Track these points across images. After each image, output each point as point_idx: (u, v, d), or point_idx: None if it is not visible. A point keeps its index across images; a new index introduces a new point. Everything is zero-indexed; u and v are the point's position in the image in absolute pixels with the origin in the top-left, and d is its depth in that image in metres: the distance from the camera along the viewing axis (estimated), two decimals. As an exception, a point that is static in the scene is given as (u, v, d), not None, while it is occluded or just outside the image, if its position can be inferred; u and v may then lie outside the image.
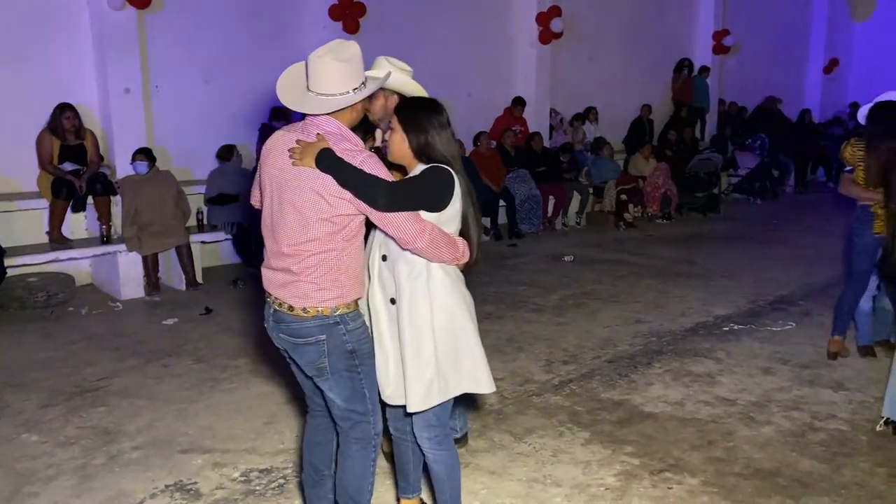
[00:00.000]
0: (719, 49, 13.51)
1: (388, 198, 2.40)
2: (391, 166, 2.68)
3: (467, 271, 2.73)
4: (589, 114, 11.75)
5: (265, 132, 8.50)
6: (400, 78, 2.97)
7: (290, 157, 2.46)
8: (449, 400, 2.68)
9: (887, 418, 3.92)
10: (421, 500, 3.10)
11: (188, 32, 7.78)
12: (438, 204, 2.52)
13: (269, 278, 2.60)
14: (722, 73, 13.92)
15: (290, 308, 2.53)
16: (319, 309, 2.51)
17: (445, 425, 2.74)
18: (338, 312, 2.54)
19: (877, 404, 4.15)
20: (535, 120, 10.72)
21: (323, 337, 2.54)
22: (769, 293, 6.79)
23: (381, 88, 2.90)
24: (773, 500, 3.29)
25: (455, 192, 2.55)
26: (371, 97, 2.82)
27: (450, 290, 2.60)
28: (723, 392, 4.52)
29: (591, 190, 10.76)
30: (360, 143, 2.57)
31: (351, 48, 2.52)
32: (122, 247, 6.76)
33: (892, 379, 3.88)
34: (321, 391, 2.69)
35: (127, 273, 6.83)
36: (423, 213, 2.49)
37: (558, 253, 8.49)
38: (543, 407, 4.26)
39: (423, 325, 2.56)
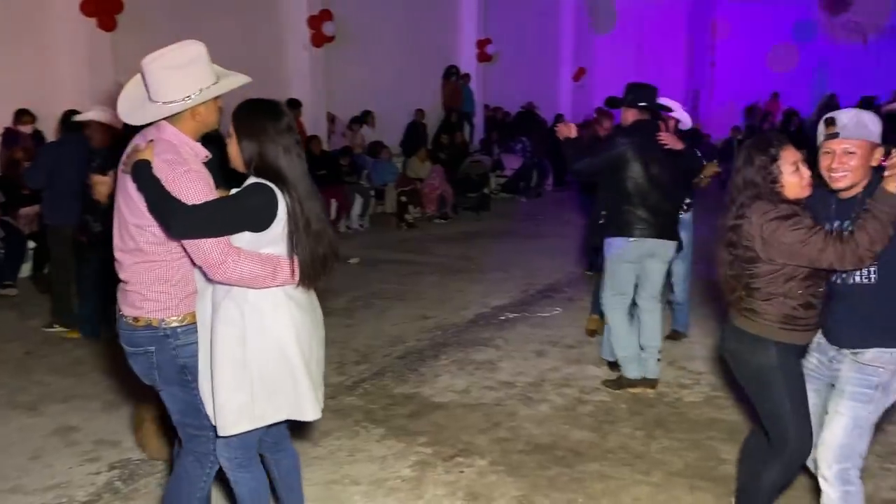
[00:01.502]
0: (482, 57, 14.37)
1: (181, 223, 2.27)
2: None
3: (310, 286, 2.55)
4: (367, 117, 11.94)
5: (8, 137, 7.65)
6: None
7: (123, 162, 2.42)
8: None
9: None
10: None
11: None
12: (256, 225, 2.37)
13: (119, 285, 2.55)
14: (486, 80, 14.80)
15: (124, 316, 2.49)
16: (148, 319, 2.44)
17: (249, 448, 2.59)
18: (168, 325, 2.44)
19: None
20: (313, 124, 10.69)
21: (152, 349, 2.46)
22: (538, 282, 7.37)
23: None
24: (553, 470, 3.61)
25: (279, 212, 2.38)
26: None
27: (274, 313, 2.43)
28: (503, 376, 4.85)
29: (372, 192, 10.94)
30: (197, 153, 2.45)
31: (186, 52, 2.41)
32: None
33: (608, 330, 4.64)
34: None
35: None
36: (243, 235, 2.36)
37: (343, 255, 8.53)
38: (338, 409, 4.29)
39: (234, 347, 2.40)
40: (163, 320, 2.44)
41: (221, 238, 2.32)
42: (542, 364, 5.09)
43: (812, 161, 2.67)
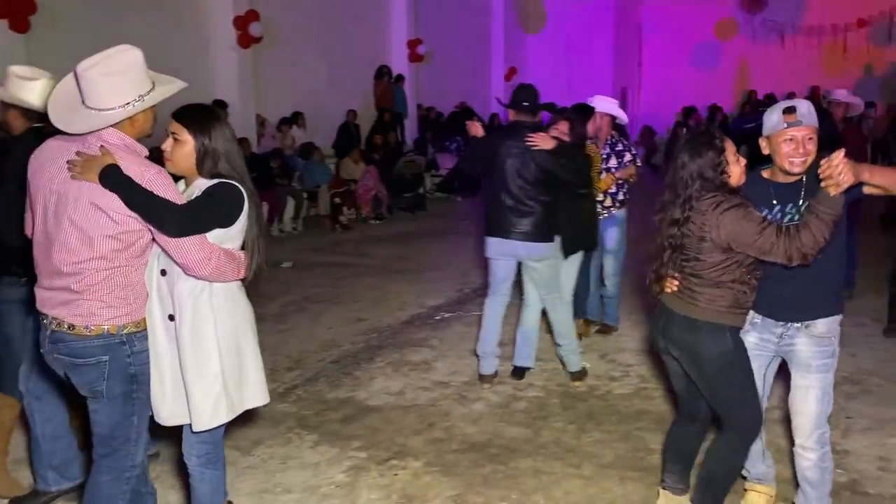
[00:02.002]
0: (414, 57, 14.36)
1: (178, 223, 2.33)
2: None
3: (247, 286, 2.67)
4: (297, 119, 11.78)
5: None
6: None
7: (69, 169, 2.32)
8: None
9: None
10: None
11: None
12: (228, 222, 2.48)
13: (45, 298, 2.46)
14: (418, 80, 14.80)
15: (72, 327, 2.41)
16: (105, 327, 2.42)
17: (218, 444, 2.67)
18: (125, 332, 2.45)
19: (564, 371, 4.75)
20: (241, 126, 10.47)
21: (105, 358, 2.43)
22: (473, 281, 7.40)
23: None
24: (487, 468, 3.63)
25: (244, 208, 2.51)
26: None
27: (233, 306, 2.56)
28: (438, 376, 4.85)
29: (305, 194, 10.81)
30: (140, 152, 2.47)
31: (124, 58, 2.40)
32: None
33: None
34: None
35: None
36: (214, 231, 2.45)
37: (276, 259, 8.38)
38: (270, 416, 4.21)
39: (208, 342, 2.49)
40: (122, 327, 2.44)
41: (203, 236, 2.40)
42: (476, 363, 5.11)
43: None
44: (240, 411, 2.61)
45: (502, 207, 4.37)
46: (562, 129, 4.46)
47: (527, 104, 4.44)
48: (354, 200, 10.96)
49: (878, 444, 3.80)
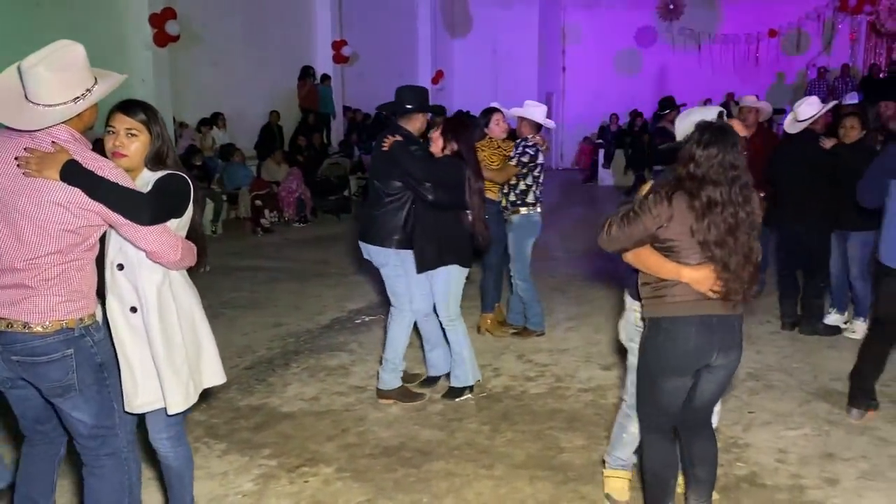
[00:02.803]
0: (339, 58, 14.24)
1: (151, 212, 2.40)
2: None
3: (192, 272, 2.78)
4: (216, 120, 11.52)
5: None
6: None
7: (21, 166, 2.31)
8: None
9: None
10: None
11: None
12: (181, 212, 2.58)
13: None
14: (344, 82, 14.68)
15: (27, 325, 2.37)
16: (64, 322, 2.41)
17: (181, 423, 2.82)
18: (83, 324, 2.47)
19: (484, 372, 4.77)
20: (158, 127, 10.17)
21: (70, 351, 2.44)
22: (396, 284, 7.37)
23: None
24: (399, 472, 3.60)
25: (192, 197, 2.63)
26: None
27: (188, 292, 2.70)
28: (355, 381, 4.80)
29: (224, 197, 10.57)
30: (90, 147, 2.49)
31: (69, 54, 2.38)
32: None
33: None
34: (56, 417, 2.61)
35: None
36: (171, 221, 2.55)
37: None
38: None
39: (174, 330, 2.60)
40: (80, 320, 2.45)
41: (165, 225, 2.48)
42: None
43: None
44: (204, 387, 2.78)
45: (364, 210, 4.48)
46: (434, 136, 4.26)
47: (410, 107, 4.30)
48: (276, 203, 10.78)
49: (777, 436, 3.95)
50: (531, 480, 3.50)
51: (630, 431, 3.19)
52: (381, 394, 4.46)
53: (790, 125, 5.55)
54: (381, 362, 4.52)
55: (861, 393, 4.15)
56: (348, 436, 4.01)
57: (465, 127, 4.33)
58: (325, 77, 13.90)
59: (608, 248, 2.72)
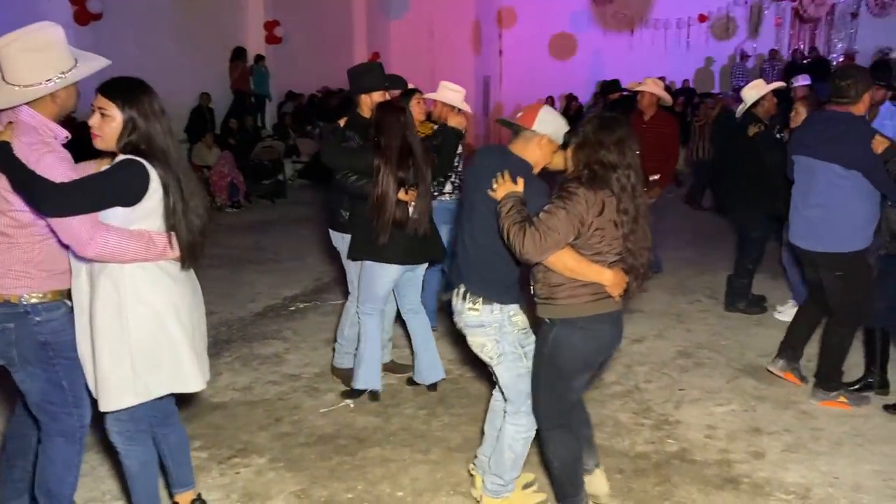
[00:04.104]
0: (272, 39, 13.91)
1: (53, 202, 2.30)
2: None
3: (183, 265, 2.61)
4: (144, 102, 11.11)
5: None
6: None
7: None
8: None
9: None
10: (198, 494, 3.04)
11: None
12: (127, 201, 2.42)
13: None
14: (278, 63, 14.35)
15: None
16: (6, 296, 2.46)
17: (139, 421, 2.67)
18: (28, 301, 2.48)
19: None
20: (81, 110, 9.75)
21: (11, 325, 2.48)
22: (332, 270, 7.25)
23: None
24: (334, 460, 3.55)
25: (151, 186, 2.43)
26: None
27: (151, 287, 2.51)
28: (289, 369, 4.71)
29: (153, 183, 10.23)
30: (56, 134, 2.48)
31: (44, 35, 2.41)
32: None
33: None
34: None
35: None
36: (116, 211, 2.41)
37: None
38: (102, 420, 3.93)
39: (111, 322, 2.48)
40: (22, 296, 2.47)
41: (88, 216, 2.37)
42: (330, 353, 4.97)
43: None
44: (154, 396, 2.59)
45: None
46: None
47: (352, 89, 4.25)
48: (208, 188, 10.48)
49: (706, 413, 4.05)
50: (468, 463, 3.48)
51: (524, 445, 3.01)
52: (333, 370, 4.54)
53: (739, 110, 5.67)
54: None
55: (787, 346, 4.36)
56: (282, 425, 3.93)
57: (387, 114, 3.91)
58: (260, 58, 13.56)
59: (540, 257, 2.59)
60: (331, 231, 4.40)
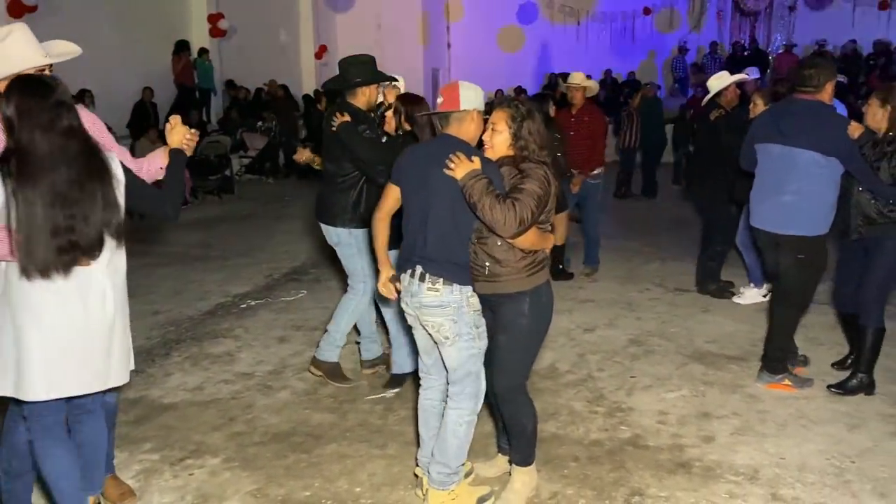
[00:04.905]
0: (216, 32, 13.62)
1: None
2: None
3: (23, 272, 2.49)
4: (83, 97, 10.75)
5: None
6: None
7: None
8: None
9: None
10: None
11: None
12: None
13: None
14: (222, 57, 14.08)
15: None
16: None
17: (36, 418, 2.64)
18: None
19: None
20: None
21: None
22: (284, 266, 7.19)
23: None
24: (290, 458, 3.51)
25: None
26: None
27: (7, 289, 2.50)
28: (241, 368, 4.64)
29: (95, 180, 9.93)
30: None
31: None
32: None
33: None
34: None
35: None
36: None
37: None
38: (47, 425, 3.81)
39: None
40: None
41: None
42: (283, 350, 4.96)
43: None
44: (13, 394, 2.55)
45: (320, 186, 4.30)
46: (387, 115, 4.19)
47: (359, 80, 4.11)
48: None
49: (658, 399, 4.13)
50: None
51: (466, 430, 3.02)
52: (314, 362, 4.39)
53: (705, 100, 5.83)
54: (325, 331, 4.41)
55: (773, 357, 4.24)
56: (235, 424, 3.87)
57: (417, 104, 4.01)
58: (203, 51, 13.28)
59: (519, 232, 2.73)
60: (331, 228, 4.20)
